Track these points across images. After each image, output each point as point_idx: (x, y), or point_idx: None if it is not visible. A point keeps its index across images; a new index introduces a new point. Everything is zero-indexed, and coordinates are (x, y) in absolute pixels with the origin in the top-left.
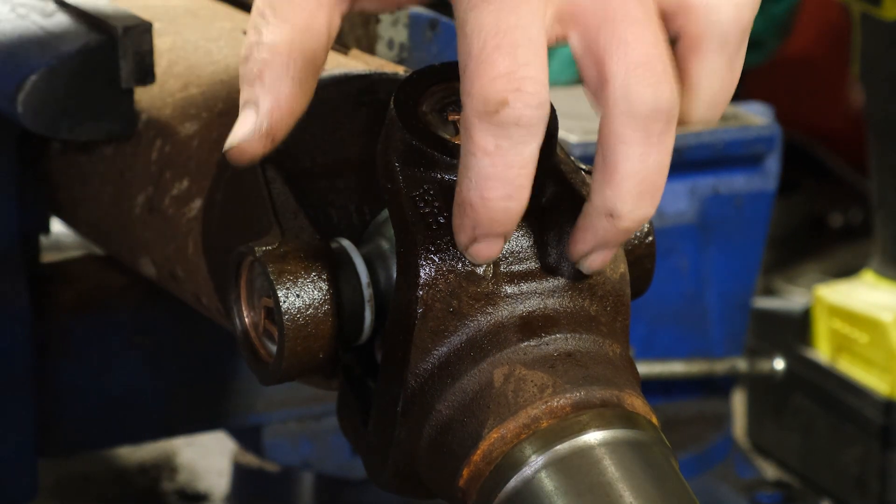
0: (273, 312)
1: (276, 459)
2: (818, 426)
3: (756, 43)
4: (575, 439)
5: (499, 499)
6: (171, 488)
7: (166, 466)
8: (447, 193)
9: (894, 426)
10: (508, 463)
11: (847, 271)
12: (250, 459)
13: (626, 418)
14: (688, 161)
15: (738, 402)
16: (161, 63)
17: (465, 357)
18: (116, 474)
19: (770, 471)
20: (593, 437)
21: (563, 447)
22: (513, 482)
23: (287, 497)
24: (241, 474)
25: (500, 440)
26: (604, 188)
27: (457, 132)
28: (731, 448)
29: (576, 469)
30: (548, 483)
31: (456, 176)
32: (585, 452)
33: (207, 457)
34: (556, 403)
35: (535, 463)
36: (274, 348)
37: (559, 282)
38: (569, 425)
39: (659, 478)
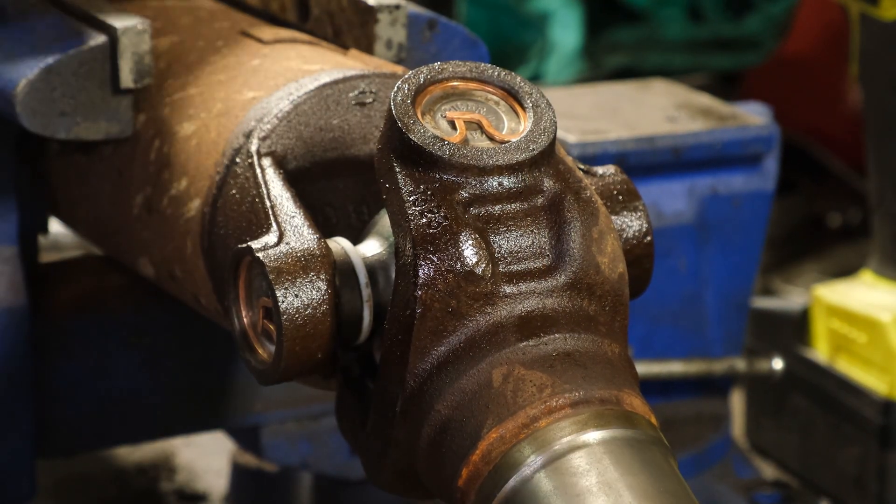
0: (271, 312)
1: (275, 459)
2: (817, 426)
3: (755, 43)
4: (574, 439)
5: (498, 499)
6: (169, 488)
7: (165, 466)
8: (446, 193)
9: (893, 426)
10: (507, 463)
11: (845, 271)
12: (249, 459)
13: (624, 418)
14: (686, 161)
15: (737, 401)
16: (159, 63)
17: (464, 357)
18: (115, 475)
19: (768, 471)
20: (592, 436)
21: (561, 447)
22: (512, 482)
23: (286, 497)
24: (240, 474)
25: (499, 440)
26: None
27: (454, 131)
28: (730, 448)
29: (575, 469)
30: (546, 483)
31: (454, 175)
32: (584, 452)
33: (206, 457)
34: (554, 403)
35: (533, 463)
36: (272, 348)
37: (558, 281)
38: (567, 425)
39: (658, 477)
